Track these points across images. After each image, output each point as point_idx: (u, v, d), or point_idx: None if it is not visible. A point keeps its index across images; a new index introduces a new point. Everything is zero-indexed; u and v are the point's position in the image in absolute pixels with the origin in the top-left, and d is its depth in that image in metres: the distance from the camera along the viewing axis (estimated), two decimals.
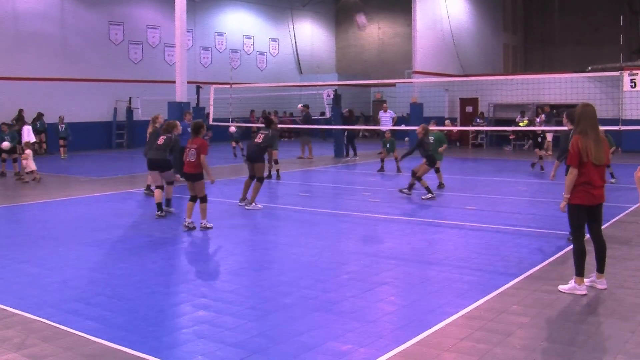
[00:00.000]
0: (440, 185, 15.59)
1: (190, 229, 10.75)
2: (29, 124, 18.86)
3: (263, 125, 14.03)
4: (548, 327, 6.06)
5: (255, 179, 13.08)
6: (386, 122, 24.87)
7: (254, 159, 13.23)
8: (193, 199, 10.87)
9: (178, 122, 13.43)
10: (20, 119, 19.17)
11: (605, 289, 7.14)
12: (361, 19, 20.52)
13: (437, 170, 15.60)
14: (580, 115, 7.07)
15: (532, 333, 5.90)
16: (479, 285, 7.36)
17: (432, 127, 15.89)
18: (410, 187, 14.20)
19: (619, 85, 18.16)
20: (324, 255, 8.95)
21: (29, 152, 17.58)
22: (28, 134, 18.52)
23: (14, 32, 27.23)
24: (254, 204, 13.01)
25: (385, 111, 25.80)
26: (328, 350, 5.47)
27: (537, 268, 8.09)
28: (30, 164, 17.30)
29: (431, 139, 14.92)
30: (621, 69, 21.04)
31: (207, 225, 10.75)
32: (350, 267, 8.28)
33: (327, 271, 8.09)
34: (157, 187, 12.28)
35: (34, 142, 18.44)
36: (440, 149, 15.34)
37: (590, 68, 27.52)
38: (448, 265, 8.34)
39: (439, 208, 12.91)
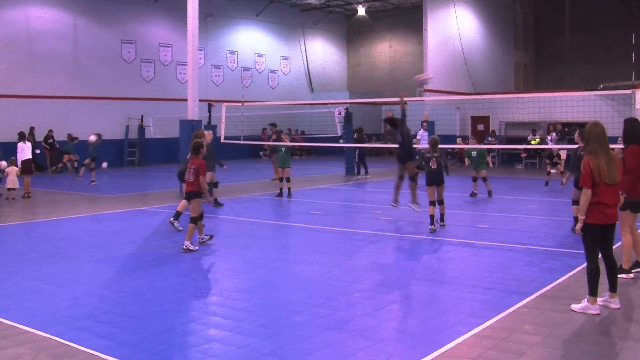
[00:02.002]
0: (489, 194, 17.24)
1: (204, 242, 10.84)
2: (24, 142, 18.78)
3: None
4: (560, 347, 6.00)
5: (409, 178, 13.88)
6: (425, 141, 24.06)
7: (407, 159, 13.82)
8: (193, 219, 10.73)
9: (205, 132, 13.57)
10: (21, 136, 19.08)
11: (618, 308, 7.08)
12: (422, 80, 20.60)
13: (485, 179, 17.36)
14: (588, 135, 7.05)
15: (545, 353, 5.84)
16: (490, 304, 7.31)
17: (472, 145, 18.15)
18: (414, 198, 13.85)
19: (631, 104, 18.11)
20: (335, 274, 8.93)
21: (11, 169, 17.51)
22: (21, 152, 18.50)
23: (27, 51, 27.53)
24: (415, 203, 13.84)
25: (425, 129, 25.69)
26: None
27: (549, 287, 8.03)
28: (12, 180, 17.39)
29: (474, 154, 17.32)
30: (633, 87, 20.96)
31: (190, 248, 10.40)
32: (361, 286, 8.25)
33: (338, 289, 8.06)
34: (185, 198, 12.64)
35: (28, 159, 18.39)
36: (487, 159, 17.69)
37: (602, 86, 27.47)
38: (459, 283, 8.30)
39: (450, 226, 12.86)
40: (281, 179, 17.93)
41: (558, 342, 6.11)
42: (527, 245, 10.85)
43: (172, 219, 12.47)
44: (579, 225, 7.08)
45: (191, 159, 10.77)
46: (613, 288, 7.16)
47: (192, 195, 10.71)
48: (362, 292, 7.89)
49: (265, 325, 6.65)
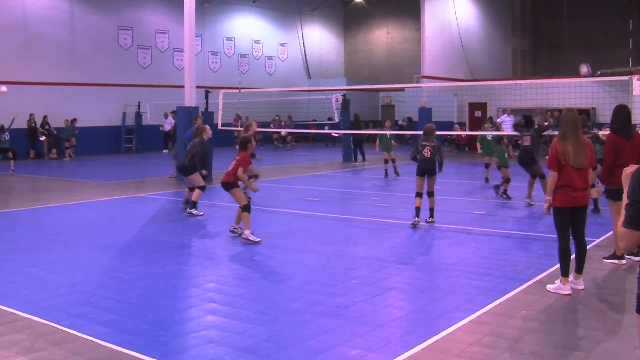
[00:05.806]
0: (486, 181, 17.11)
1: (234, 233, 10.49)
2: None
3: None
4: (557, 332, 6.03)
5: (538, 177, 13.75)
6: (508, 127, 22.46)
7: (528, 163, 13.78)
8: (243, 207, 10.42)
9: (207, 127, 13.53)
10: None
11: (583, 289, 7.25)
12: (586, 68, 19.90)
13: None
14: (560, 120, 7.34)
15: (541, 338, 5.87)
16: (487, 290, 7.34)
17: (487, 130, 18.05)
18: (529, 193, 14.05)
19: (629, 90, 18.09)
20: (333, 260, 8.95)
21: None
22: None
23: (23, 37, 27.39)
24: (529, 199, 13.91)
25: (509, 114, 25.35)
26: (336, 355, 5.46)
27: (546, 273, 8.07)
28: None
29: (489, 137, 16.86)
30: (630, 73, 20.94)
31: (249, 238, 10.07)
32: (359, 272, 8.27)
33: (335, 276, 8.08)
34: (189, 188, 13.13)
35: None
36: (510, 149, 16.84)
37: (599, 72, 27.44)
38: (457, 270, 8.32)
39: (447, 213, 12.88)
40: (386, 161, 19.43)
41: (554, 328, 6.14)
42: (524, 231, 10.87)
43: (189, 209, 12.60)
44: (546, 206, 7.39)
45: (238, 152, 10.59)
46: (579, 269, 7.35)
47: (226, 185, 10.40)
48: (360, 279, 7.91)
49: (263, 311, 6.66)
